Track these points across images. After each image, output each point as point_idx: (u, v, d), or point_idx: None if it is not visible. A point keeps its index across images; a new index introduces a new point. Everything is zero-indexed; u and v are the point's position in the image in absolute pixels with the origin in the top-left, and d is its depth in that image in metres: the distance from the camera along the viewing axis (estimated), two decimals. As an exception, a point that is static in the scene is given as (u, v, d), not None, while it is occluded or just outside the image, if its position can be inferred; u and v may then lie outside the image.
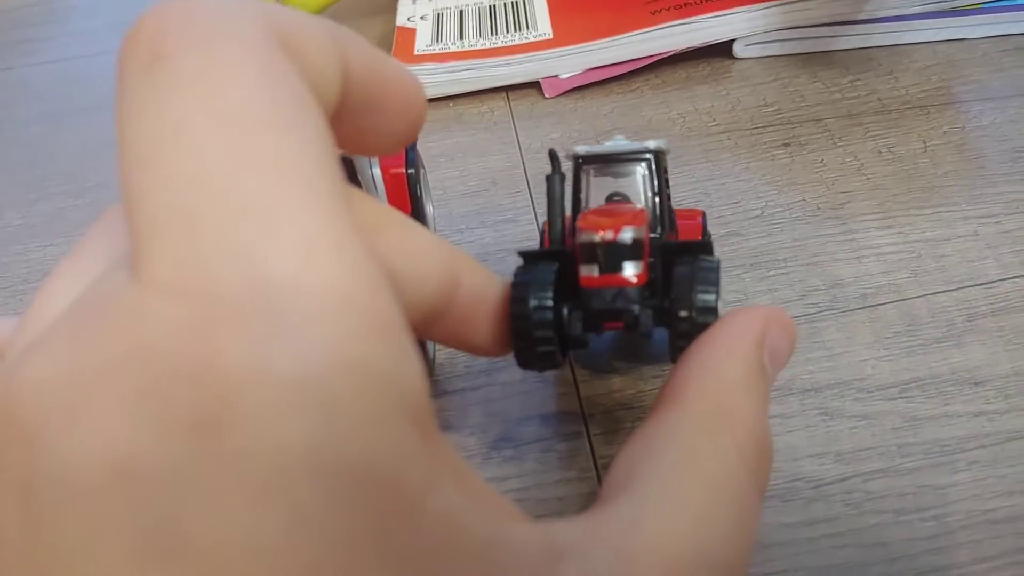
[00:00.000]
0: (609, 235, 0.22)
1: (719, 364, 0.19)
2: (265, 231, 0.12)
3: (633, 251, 0.22)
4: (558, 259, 0.23)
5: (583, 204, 0.25)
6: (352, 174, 0.25)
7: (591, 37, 0.44)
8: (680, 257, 0.23)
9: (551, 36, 0.45)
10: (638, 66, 0.43)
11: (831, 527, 0.24)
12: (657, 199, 0.24)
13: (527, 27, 0.46)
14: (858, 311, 0.30)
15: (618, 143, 0.25)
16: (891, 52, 0.42)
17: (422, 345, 0.27)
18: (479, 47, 0.45)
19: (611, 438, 0.27)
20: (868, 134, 0.37)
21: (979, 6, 0.42)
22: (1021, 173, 0.35)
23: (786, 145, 0.38)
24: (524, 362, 0.23)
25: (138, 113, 0.13)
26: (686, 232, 0.27)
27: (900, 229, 0.33)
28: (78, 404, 0.11)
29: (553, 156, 0.25)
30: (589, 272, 0.22)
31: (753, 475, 0.17)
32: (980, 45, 0.42)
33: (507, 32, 0.46)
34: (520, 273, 0.23)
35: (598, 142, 0.25)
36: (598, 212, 0.23)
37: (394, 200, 0.28)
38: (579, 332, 0.22)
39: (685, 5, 0.44)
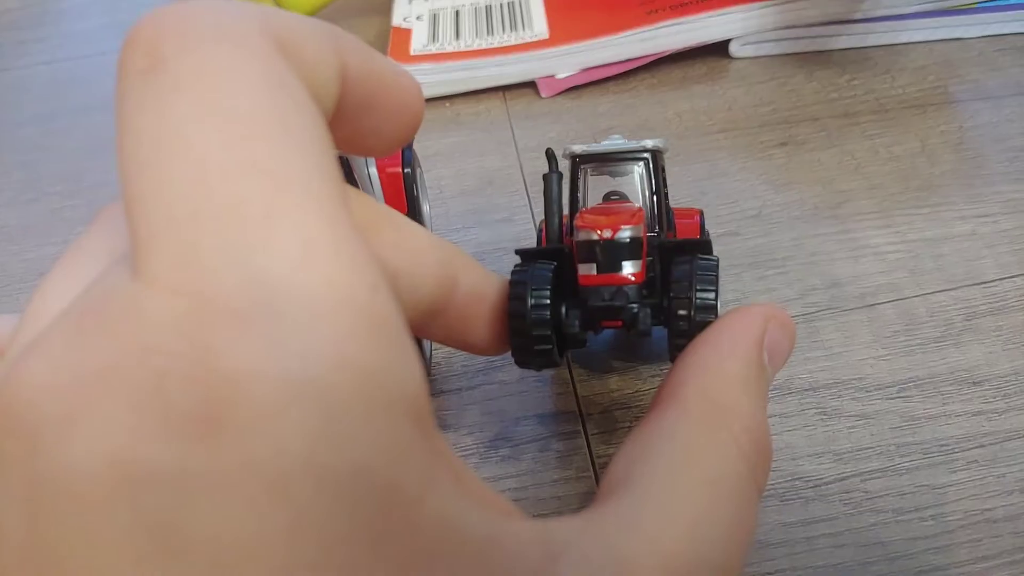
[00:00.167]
0: (607, 234, 0.22)
1: (718, 362, 0.19)
2: (264, 231, 0.12)
3: (631, 250, 0.22)
4: (556, 258, 0.23)
5: (581, 203, 0.25)
6: (348, 174, 0.25)
7: (587, 37, 0.44)
8: (678, 256, 0.23)
9: (547, 36, 0.45)
10: (634, 66, 0.43)
11: (830, 526, 0.24)
12: (655, 198, 0.24)
13: (523, 27, 0.46)
14: (856, 311, 0.30)
15: (615, 142, 0.25)
16: (888, 51, 0.42)
17: (419, 344, 0.27)
18: (475, 47, 0.45)
19: (609, 438, 0.27)
20: (865, 133, 0.37)
21: (975, 5, 0.42)
22: (1019, 172, 0.34)
23: (783, 145, 0.38)
24: (522, 361, 0.23)
25: (137, 116, 0.13)
26: (684, 231, 0.27)
27: (898, 229, 0.33)
28: (78, 403, 0.11)
29: (550, 155, 0.25)
30: (587, 271, 0.22)
31: (752, 473, 0.17)
32: (976, 44, 0.42)
33: (503, 32, 0.45)
34: (518, 272, 0.23)
35: (596, 141, 0.25)
36: (596, 211, 0.23)
37: (390, 200, 0.27)
38: (577, 330, 0.22)
39: (681, 5, 0.44)
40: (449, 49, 0.45)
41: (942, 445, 0.25)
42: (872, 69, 0.42)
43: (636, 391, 0.28)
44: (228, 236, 0.12)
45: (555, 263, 0.23)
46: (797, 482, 0.25)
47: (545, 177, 0.25)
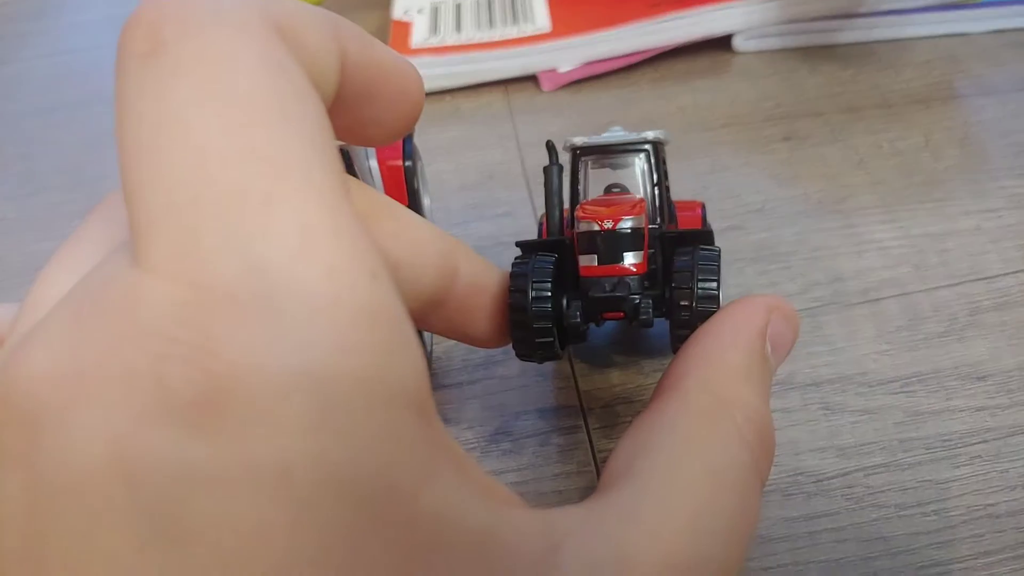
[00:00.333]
0: (608, 225, 0.22)
1: (721, 353, 0.19)
2: (264, 219, 0.12)
3: (633, 240, 0.22)
4: (557, 250, 0.23)
5: (581, 195, 0.25)
6: (349, 166, 0.25)
7: (589, 30, 0.43)
8: (680, 247, 0.22)
9: (549, 29, 0.44)
10: (637, 60, 0.43)
11: (832, 521, 0.24)
12: (656, 190, 0.24)
13: (525, 20, 0.45)
14: (860, 305, 0.29)
15: (616, 133, 0.25)
16: (892, 46, 0.42)
17: (420, 336, 0.27)
18: (476, 40, 0.45)
19: (610, 432, 0.27)
20: (869, 128, 0.37)
21: (979, 0, 0.42)
22: (1023, 168, 0.34)
23: (787, 139, 0.37)
24: (522, 353, 0.23)
25: (136, 101, 0.13)
26: (686, 223, 0.26)
27: (902, 223, 0.32)
28: (78, 390, 0.11)
29: (550, 147, 0.25)
30: (588, 262, 0.22)
31: (755, 463, 0.17)
32: (981, 39, 0.42)
33: (505, 25, 0.45)
34: (519, 264, 0.23)
35: (597, 134, 0.25)
36: (597, 202, 0.23)
37: (391, 193, 0.27)
38: (578, 322, 0.22)
39: (684, -2, 0.43)
40: (450, 42, 0.45)
41: (945, 440, 0.25)
42: (876, 64, 0.41)
43: (638, 385, 0.28)
44: (227, 223, 0.12)
45: (556, 255, 0.23)
46: (799, 477, 0.25)
47: (546, 169, 0.25)
